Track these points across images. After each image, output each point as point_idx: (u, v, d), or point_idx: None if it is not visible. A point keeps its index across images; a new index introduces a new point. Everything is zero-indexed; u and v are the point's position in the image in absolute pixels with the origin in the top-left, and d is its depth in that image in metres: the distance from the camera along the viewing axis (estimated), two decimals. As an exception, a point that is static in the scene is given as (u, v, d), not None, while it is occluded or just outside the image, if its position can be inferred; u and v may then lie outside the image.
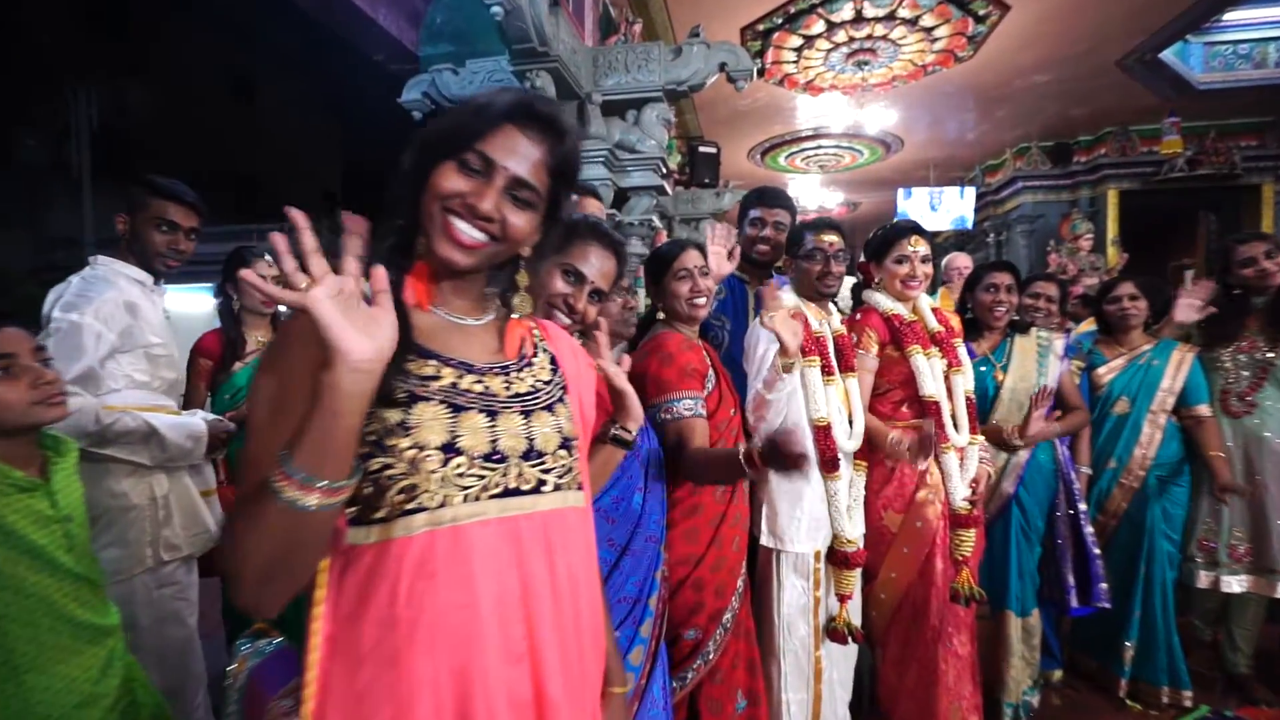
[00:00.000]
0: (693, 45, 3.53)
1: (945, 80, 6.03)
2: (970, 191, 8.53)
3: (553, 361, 0.86)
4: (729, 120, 7.21)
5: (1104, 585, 2.23)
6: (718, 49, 3.55)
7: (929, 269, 1.79)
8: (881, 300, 1.83)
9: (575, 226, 1.18)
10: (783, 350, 1.38)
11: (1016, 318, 2.17)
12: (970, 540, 1.75)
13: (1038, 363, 2.12)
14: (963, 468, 1.76)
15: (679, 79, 3.52)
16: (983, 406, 2.08)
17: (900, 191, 8.85)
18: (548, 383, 0.83)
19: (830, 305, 1.85)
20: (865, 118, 6.72)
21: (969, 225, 8.58)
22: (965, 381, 1.82)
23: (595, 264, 1.17)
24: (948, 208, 8.69)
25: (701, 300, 1.52)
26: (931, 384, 1.72)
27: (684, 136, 7.41)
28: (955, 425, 1.77)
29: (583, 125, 3.51)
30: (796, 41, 5.41)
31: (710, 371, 1.49)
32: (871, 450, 1.77)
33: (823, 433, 1.63)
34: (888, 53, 5.45)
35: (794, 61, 5.71)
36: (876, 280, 1.87)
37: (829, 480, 1.65)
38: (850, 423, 1.72)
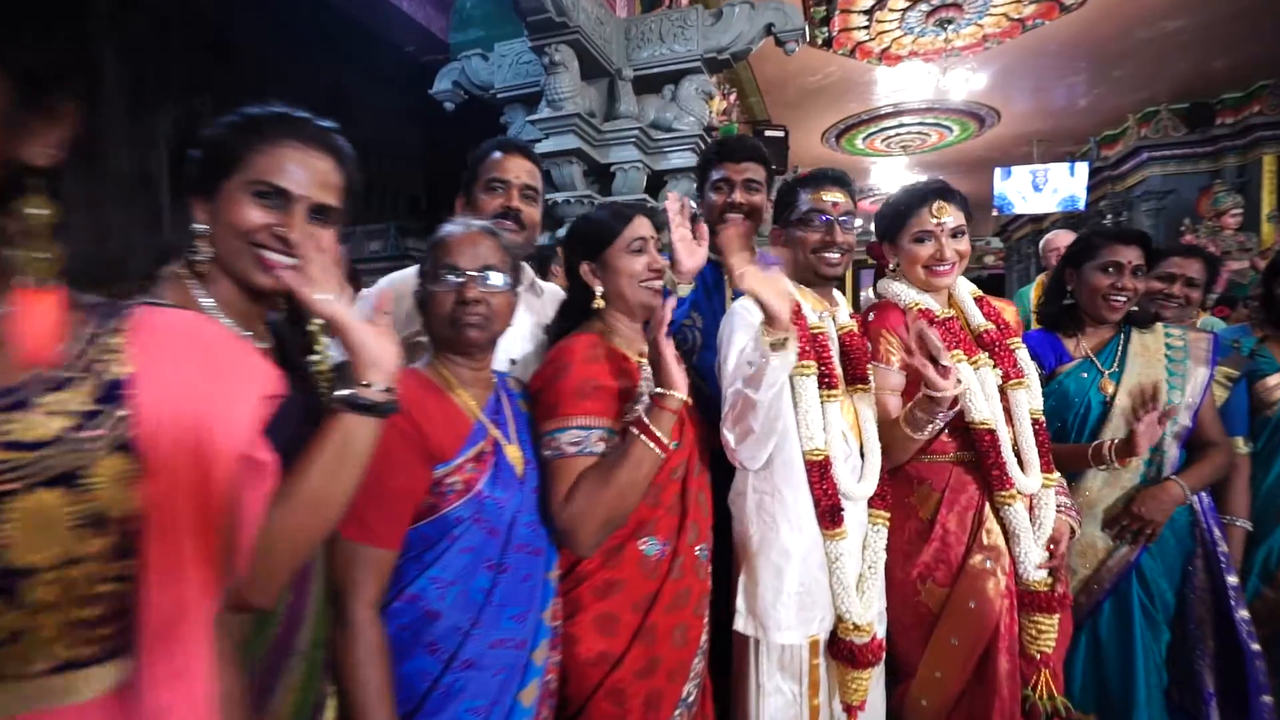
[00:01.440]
0: (734, 7, 3.15)
1: (1049, 36, 5.23)
2: (1082, 167, 7.49)
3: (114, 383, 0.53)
4: (798, 101, 6.69)
5: (1267, 699, 1.48)
6: (763, 9, 3.15)
7: (963, 246, 1.29)
8: (902, 291, 1.33)
9: (255, 122, 0.77)
10: (769, 321, 0.99)
11: (1135, 308, 1.54)
12: (1051, 629, 1.24)
13: (1166, 370, 1.47)
14: (1035, 523, 1.25)
15: (719, 46, 3.15)
16: (1074, 431, 1.51)
17: (998, 172, 7.92)
18: (78, 427, 0.50)
19: (836, 293, 1.38)
20: (952, 88, 5.98)
21: (1081, 206, 7.54)
22: (1031, 399, 1.30)
23: (300, 170, 0.76)
24: (1055, 186, 7.68)
25: (658, 284, 1.15)
26: (983, 404, 1.22)
27: (749, 121, 6.96)
28: (1020, 462, 1.26)
29: (612, 104, 3.23)
30: (867, 3, 4.85)
31: (643, 388, 1.08)
32: (897, 491, 1.28)
33: (818, 470, 1.17)
34: (976, 6, 4.77)
35: (865, 27, 5.14)
36: (892, 266, 1.37)
37: (830, 539, 1.17)
38: (862, 455, 1.24)
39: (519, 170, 1.41)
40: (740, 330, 1.16)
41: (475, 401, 1.01)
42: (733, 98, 5.95)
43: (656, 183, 3.39)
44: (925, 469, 1.31)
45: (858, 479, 1.22)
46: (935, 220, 1.27)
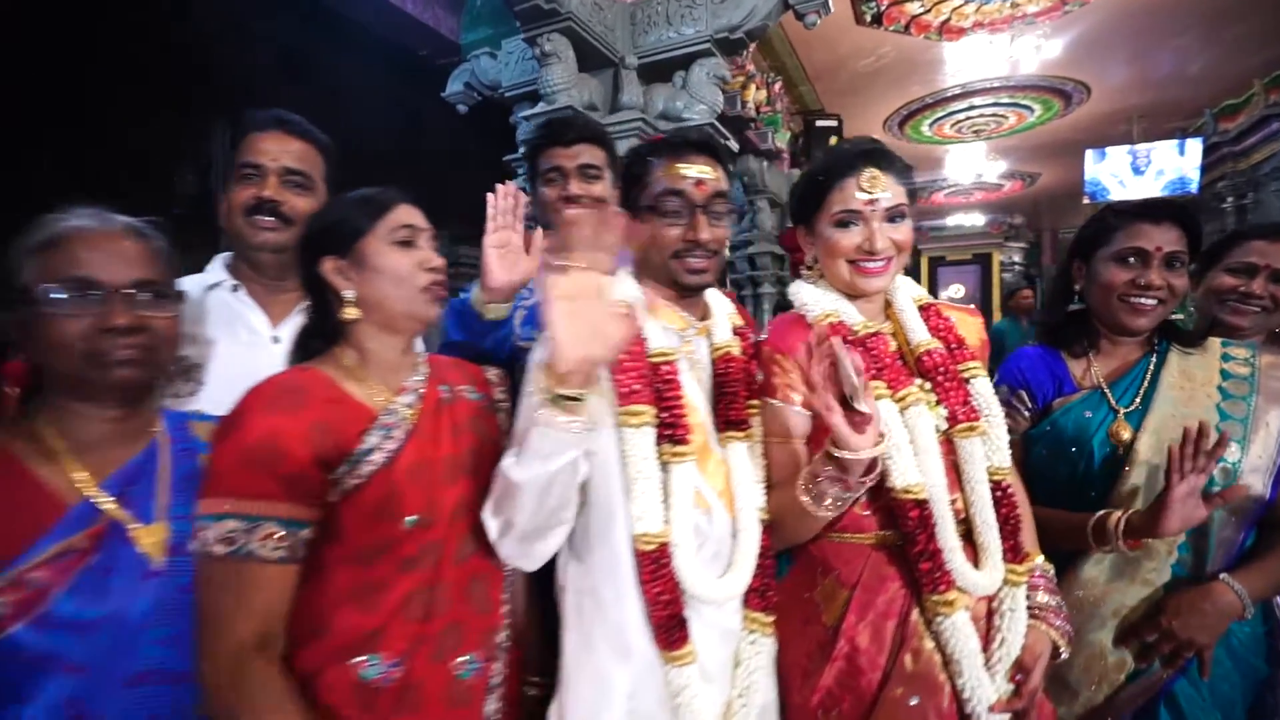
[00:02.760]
0: (746, -21, 2.85)
1: (1146, -6, 4.53)
2: (1195, 144, 6.53)
3: None
4: (853, 87, 6.21)
5: None
6: (778, -23, 2.83)
7: (903, 233, 0.92)
8: (814, 298, 0.98)
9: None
10: (552, 357, 0.67)
11: (1177, 315, 1.07)
12: None
13: (1219, 411, 1.00)
14: (994, 639, 0.87)
15: (730, 25, 2.86)
16: (1071, 494, 1.06)
17: (1089, 155, 7.06)
18: None
19: (716, 301, 1.03)
20: (1022, 60, 5.32)
21: (1193, 188, 6.57)
22: (992, 451, 0.91)
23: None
24: (1160, 168, 6.75)
25: (437, 290, 0.87)
26: (908, 462, 0.86)
27: (800, 111, 6.54)
28: (979, 547, 0.88)
29: (617, 95, 3.01)
30: (920, -29, 4.37)
31: (371, 442, 0.78)
32: (795, 582, 0.93)
33: (652, 563, 0.83)
34: (1051, -34, 4.19)
35: (920, -1, 4.64)
36: (810, 261, 1.01)
37: (672, 664, 0.83)
38: (735, 536, 0.88)
39: (280, 151, 1.15)
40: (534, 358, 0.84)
41: (90, 471, 0.76)
42: (777, 87, 5.58)
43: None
44: (833, 552, 0.92)
45: (722, 571, 0.85)
46: (865, 195, 0.89)
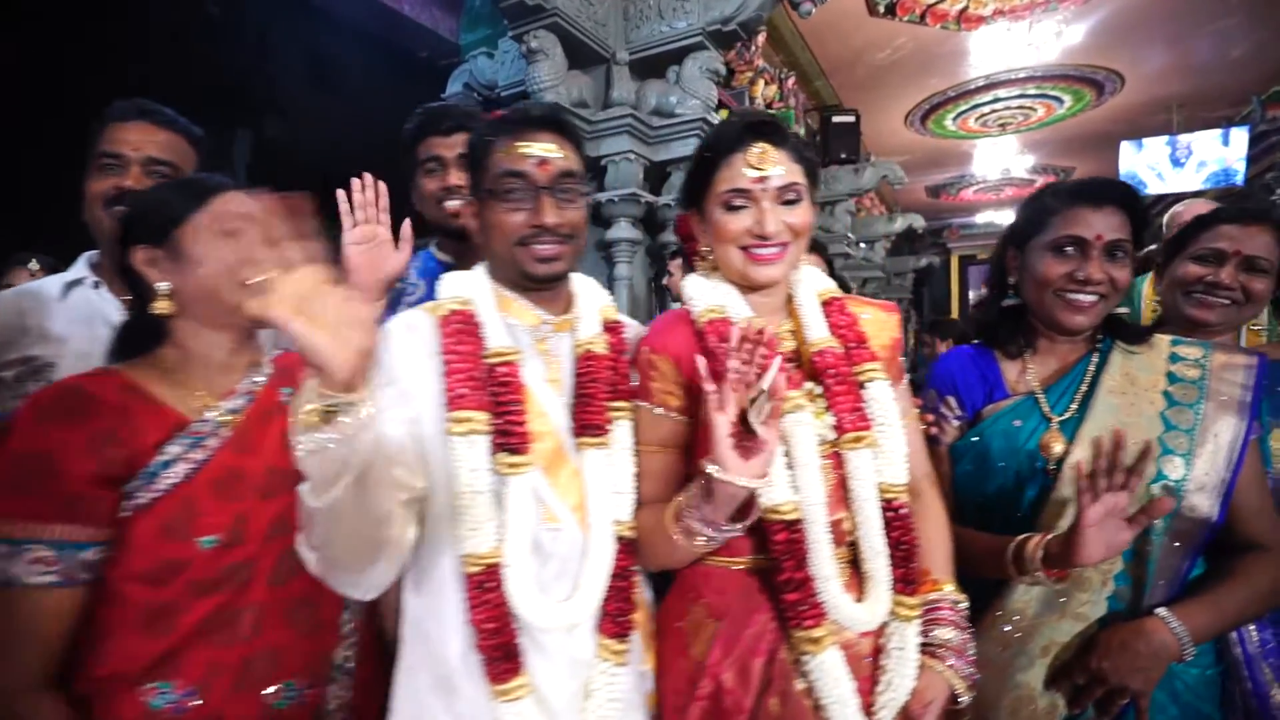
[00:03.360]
0: (738, -31, 2.77)
1: (1180, -24, 4.28)
2: (1240, 133, 6.17)
3: None
4: (871, 81, 6.05)
5: None
6: (770, -33, 2.74)
7: (799, 216, 0.81)
8: (699, 291, 0.88)
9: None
10: (321, 374, 0.58)
11: (1122, 310, 0.98)
12: None
13: (1163, 419, 0.87)
14: (878, 679, 0.77)
15: (723, 16, 2.79)
16: (998, 515, 0.93)
17: (1125, 146, 6.73)
18: None
19: (583, 289, 0.93)
20: (1042, 48, 5.08)
21: (1239, 180, 6.20)
22: (884, 464, 0.80)
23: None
24: (1202, 159, 6.40)
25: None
26: (781, 478, 0.77)
27: (817, 107, 6.39)
28: (864, 575, 0.79)
29: (609, 92, 2.95)
30: (934, -42, 4.21)
31: (173, 452, 0.71)
32: (669, 608, 0.85)
33: (477, 586, 0.74)
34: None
35: (936, -13, 4.48)
36: (702, 250, 0.90)
37: (502, 699, 0.73)
38: (585, 554, 0.78)
39: (143, 140, 1.09)
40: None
41: None
42: (790, 82, 5.46)
43: (661, 175, 3.07)
44: (703, 578, 0.82)
45: (568, 594, 0.76)
46: (754, 173, 0.80)
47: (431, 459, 0.76)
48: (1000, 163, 8.10)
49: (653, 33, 2.92)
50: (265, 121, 5.00)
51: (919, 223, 6.00)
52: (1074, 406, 0.92)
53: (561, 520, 0.80)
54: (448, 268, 1.16)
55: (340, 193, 1.02)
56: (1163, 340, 0.96)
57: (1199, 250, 1.12)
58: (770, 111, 5.41)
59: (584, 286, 0.94)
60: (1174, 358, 0.93)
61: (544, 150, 0.82)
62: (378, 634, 0.88)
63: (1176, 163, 6.46)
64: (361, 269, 1.03)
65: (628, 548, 0.81)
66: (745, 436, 0.67)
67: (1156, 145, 6.53)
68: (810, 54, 5.43)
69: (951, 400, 1.01)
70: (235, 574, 0.75)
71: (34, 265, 2.52)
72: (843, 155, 6.14)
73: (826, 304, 0.89)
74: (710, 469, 0.68)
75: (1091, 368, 0.95)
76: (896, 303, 0.91)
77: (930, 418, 1.01)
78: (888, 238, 7.22)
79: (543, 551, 0.79)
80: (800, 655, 0.75)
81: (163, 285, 0.80)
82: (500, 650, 0.74)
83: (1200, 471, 0.85)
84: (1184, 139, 6.44)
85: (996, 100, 6.32)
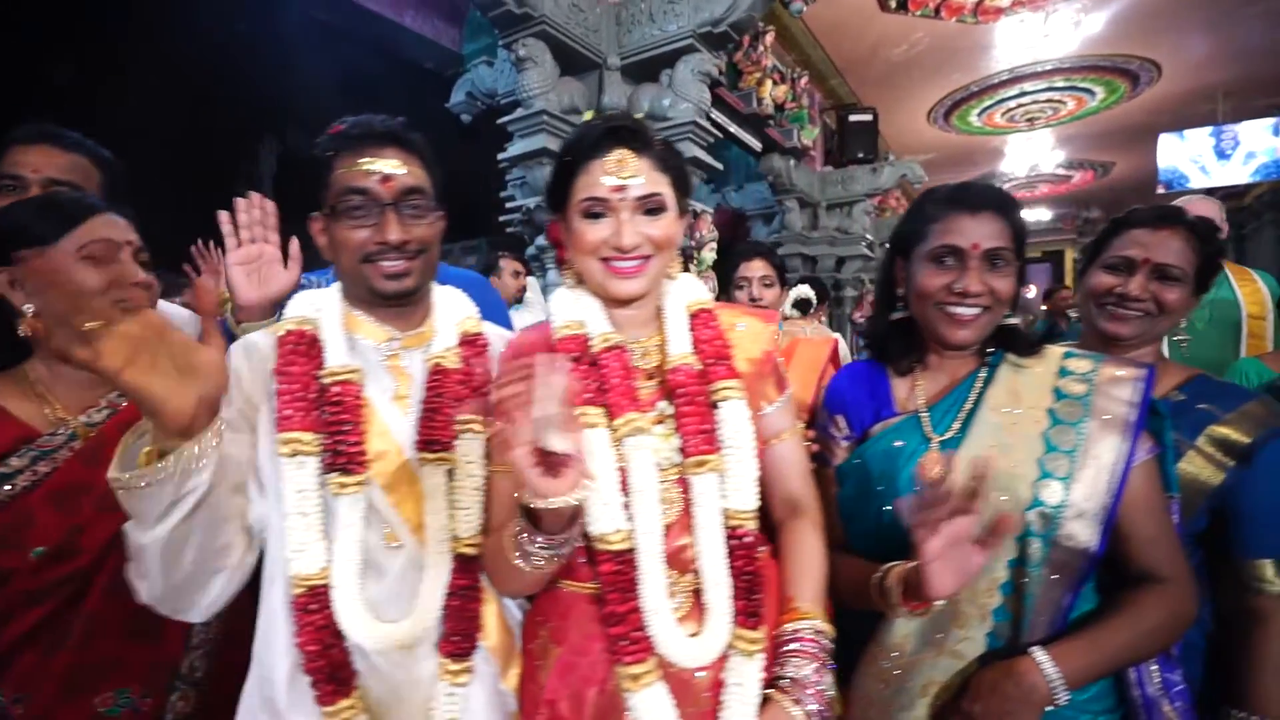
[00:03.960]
0: (727, -30, 2.73)
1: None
2: (1292, 122, 5.80)
3: None
4: (887, 79, 5.91)
5: None
6: (759, -34, 2.70)
7: (660, 229, 0.77)
8: (563, 305, 0.84)
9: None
10: (156, 420, 0.58)
11: (1013, 319, 0.87)
12: None
13: (1045, 439, 0.80)
14: (719, 715, 0.71)
15: (713, 18, 2.76)
16: (885, 539, 0.82)
17: (1164, 139, 6.42)
18: None
19: (444, 309, 0.90)
20: (1075, 40, 4.87)
21: (1291, 172, 5.84)
22: (731, 490, 0.76)
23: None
24: (1250, 149, 6.06)
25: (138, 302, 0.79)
26: (614, 501, 0.73)
27: (835, 106, 6.27)
28: (703, 607, 0.74)
29: (601, 97, 2.95)
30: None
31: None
32: (527, 628, 0.83)
33: (301, 607, 0.73)
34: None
35: (950, -20, 4.35)
36: (568, 259, 0.84)
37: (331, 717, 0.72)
38: (422, 573, 0.77)
39: (44, 163, 1.10)
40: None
41: None
42: (803, 81, 5.36)
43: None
44: (550, 602, 0.80)
45: (406, 613, 0.74)
46: (613, 181, 0.75)
47: (268, 481, 0.76)
48: (1031, 159, 7.81)
49: (644, 37, 2.90)
50: (288, 132, 5.19)
51: (915, 173, 5.75)
52: (956, 426, 0.85)
53: (402, 539, 0.79)
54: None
55: (222, 213, 1.01)
56: (1055, 353, 0.88)
57: (1110, 258, 1.04)
58: (784, 112, 5.33)
59: (445, 300, 0.92)
60: (1063, 372, 0.85)
61: (386, 166, 0.80)
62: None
63: (1222, 154, 6.12)
64: (244, 288, 1.03)
65: (467, 566, 0.78)
66: (550, 454, 0.63)
67: (1199, 136, 6.21)
68: (822, 52, 5.33)
69: (840, 419, 0.95)
70: (68, 584, 0.77)
71: None
72: (860, 154, 6.02)
73: (695, 316, 0.84)
74: (532, 499, 0.64)
75: (978, 384, 0.88)
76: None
77: (812, 434, 0.97)
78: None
79: (381, 571, 0.78)
80: (624, 691, 0.71)
81: (27, 307, 0.81)
82: (324, 672, 0.73)
83: (1079, 497, 0.77)
84: (1229, 129, 6.10)
85: (1023, 94, 6.10)
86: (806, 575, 0.78)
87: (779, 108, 5.43)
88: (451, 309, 0.91)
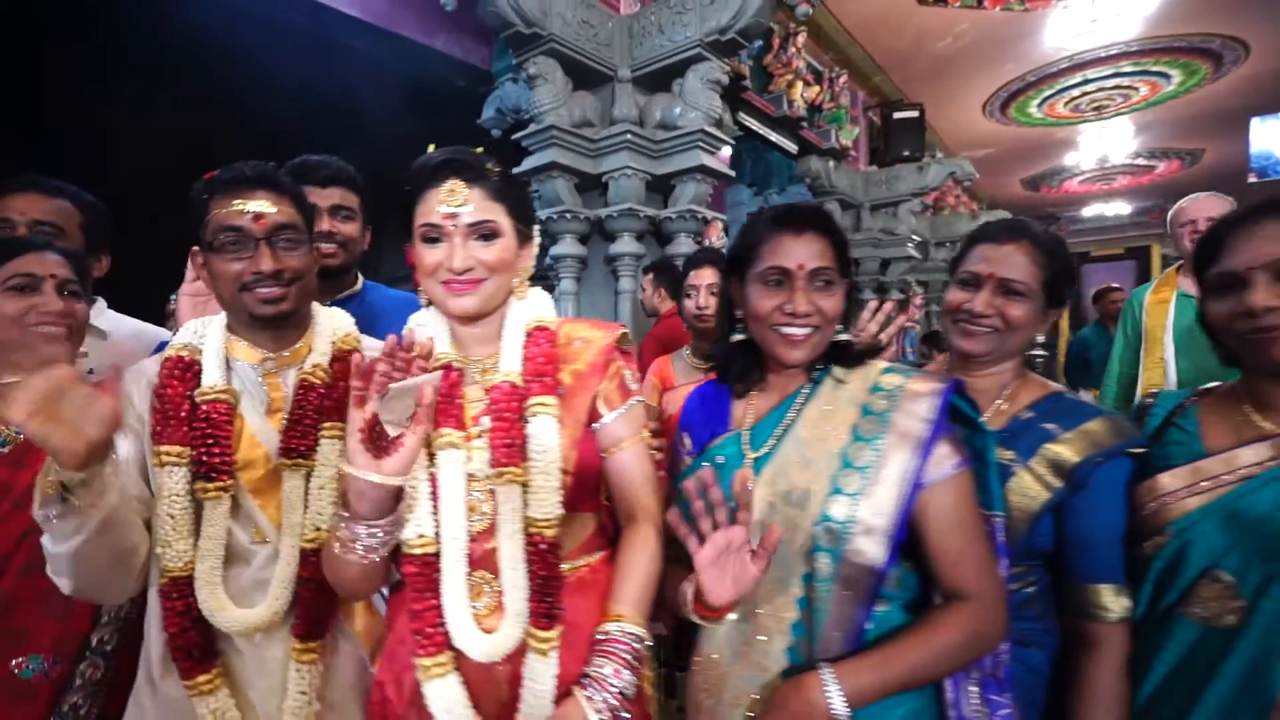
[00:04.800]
0: (732, -23, 2.73)
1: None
2: None
3: None
4: (934, 73, 5.69)
5: None
6: (764, -28, 2.68)
7: (493, 253, 0.81)
8: (420, 323, 0.92)
9: None
10: (57, 459, 0.69)
11: (845, 336, 0.88)
12: None
13: (842, 455, 0.80)
14: (517, 713, 0.77)
15: (720, 26, 2.77)
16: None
17: (1255, 123, 5.85)
18: None
19: (321, 328, 0.99)
20: (1135, 21, 4.51)
21: None
22: (535, 500, 0.81)
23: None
24: (1357, 132, 5.41)
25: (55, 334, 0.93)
26: (423, 507, 0.79)
27: (880, 104, 6.08)
28: (501, 606, 0.78)
29: (613, 108, 3.01)
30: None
31: None
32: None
33: (166, 594, 0.84)
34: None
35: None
36: (419, 280, 0.89)
37: (193, 692, 0.83)
38: (276, 566, 0.88)
39: (29, 207, 1.27)
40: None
41: None
42: (841, 80, 5.23)
43: (667, 188, 3.09)
44: (394, 595, 0.86)
45: (264, 601, 0.84)
46: (446, 209, 0.81)
47: (153, 485, 0.87)
48: (1104, 149, 7.29)
49: (654, 48, 2.94)
50: (343, 149, 5.57)
51: (964, 170, 5.46)
52: (771, 442, 0.86)
53: (269, 536, 0.89)
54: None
55: (194, 248, 1.09)
56: (875, 367, 0.88)
57: (960, 274, 1.01)
58: (822, 113, 5.22)
59: (326, 320, 1.01)
60: (874, 388, 0.85)
61: (258, 206, 0.90)
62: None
63: (1322, 138, 5.52)
64: (187, 316, 1.12)
65: (315, 559, 0.86)
66: (383, 437, 0.71)
67: (1295, 119, 5.62)
68: (861, 50, 5.19)
69: (686, 437, 0.96)
70: None
71: None
72: (905, 153, 5.80)
73: (530, 334, 0.89)
74: (345, 467, 0.72)
75: (800, 400, 0.88)
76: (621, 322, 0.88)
77: (655, 441, 0.98)
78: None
79: (248, 563, 0.89)
80: (422, 682, 0.77)
81: None
82: (184, 651, 0.83)
83: (867, 513, 0.77)
84: (1334, 110, 5.49)
85: (1086, 82, 5.72)
86: (629, 580, 0.82)
87: (816, 108, 5.33)
88: (330, 328, 1.01)
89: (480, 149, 0.88)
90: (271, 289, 0.90)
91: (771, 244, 0.85)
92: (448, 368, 0.84)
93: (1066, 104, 6.19)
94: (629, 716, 0.76)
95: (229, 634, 0.86)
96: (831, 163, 5.42)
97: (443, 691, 0.76)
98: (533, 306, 0.92)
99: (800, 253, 0.84)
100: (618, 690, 0.74)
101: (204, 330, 0.94)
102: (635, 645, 0.76)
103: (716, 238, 2.99)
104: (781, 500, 0.82)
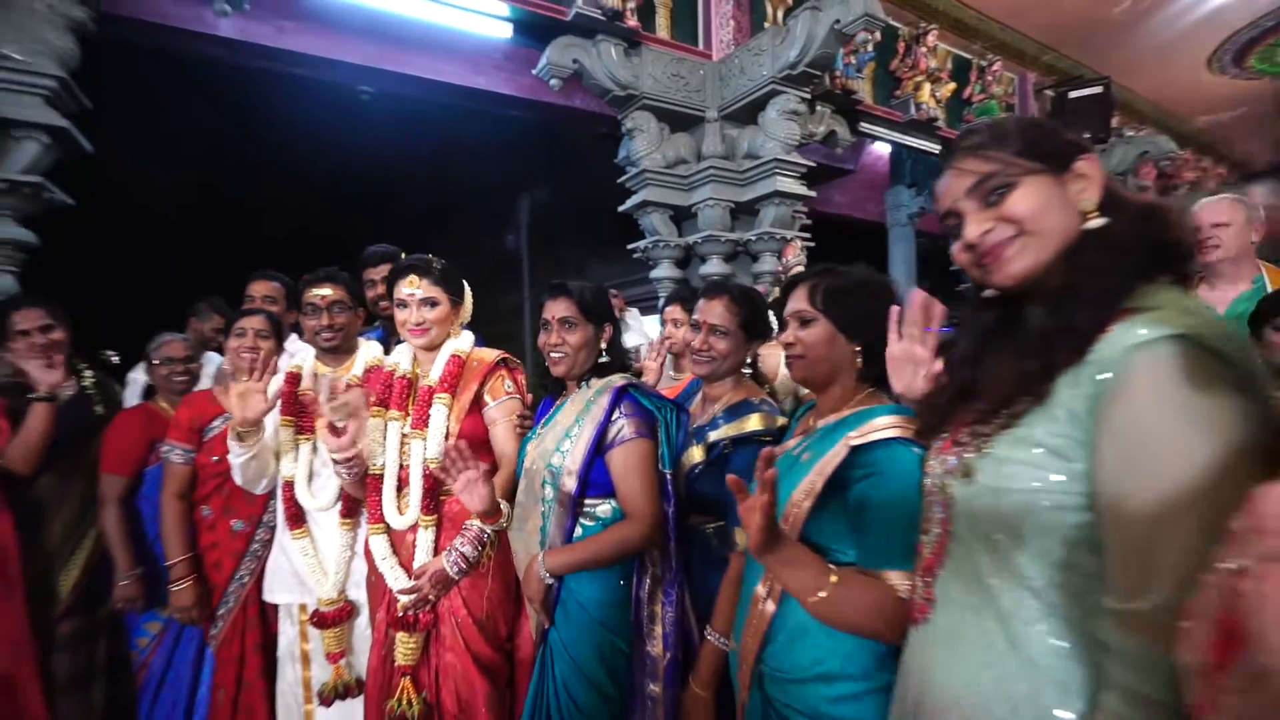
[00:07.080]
0: (798, 16, 2.96)
1: None
2: None
3: None
4: (1121, 40, 4.97)
5: None
6: (828, 8, 2.87)
7: (435, 313, 1.39)
8: (397, 351, 1.54)
9: None
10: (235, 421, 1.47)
11: (605, 358, 1.37)
12: (411, 647, 1.33)
13: (566, 431, 1.30)
14: (410, 553, 1.35)
15: (790, 62, 3.03)
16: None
17: None
18: None
19: (361, 355, 1.65)
20: None
21: None
22: (428, 447, 1.39)
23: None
24: None
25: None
26: (378, 453, 1.38)
27: (1055, 84, 5.45)
28: (401, 501, 1.37)
29: (702, 145, 3.41)
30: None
31: None
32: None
33: (287, 486, 1.58)
34: None
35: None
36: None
37: (295, 537, 1.57)
38: (310, 479, 1.60)
39: (261, 290, 2.09)
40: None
41: None
42: (995, 67, 4.88)
43: (754, 212, 3.40)
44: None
45: (309, 494, 1.58)
46: (406, 291, 1.39)
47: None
48: None
49: (738, 87, 3.29)
50: (536, 190, 6.76)
51: (1160, 148, 4.64)
52: (541, 429, 1.41)
53: (327, 461, 1.51)
54: (385, 334, 2.02)
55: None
56: (607, 379, 1.34)
57: (692, 320, 1.43)
58: (972, 106, 4.89)
59: (365, 350, 1.67)
60: (597, 391, 1.31)
61: (321, 292, 1.60)
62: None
63: None
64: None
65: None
66: (336, 430, 1.30)
67: None
68: (1013, 31, 4.80)
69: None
70: None
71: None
72: (1085, 135, 5.12)
73: (450, 358, 1.45)
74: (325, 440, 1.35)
75: (564, 397, 1.39)
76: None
77: (522, 413, 1.50)
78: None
79: (319, 475, 1.60)
80: (369, 537, 1.43)
81: None
82: (290, 517, 1.58)
83: (569, 461, 1.26)
84: None
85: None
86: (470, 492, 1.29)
87: (966, 101, 5.02)
88: (365, 353, 1.67)
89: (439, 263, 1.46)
90: (328, 335, 1.61)
91: (546, 305, 1.35)
92: (403, 378, 1.44)
93: (1333, 44, 4.91)
94: (468, 567, 1.29)
95: (308, 510, 1.58)
96: (984, 157, 5.05)
97: (378, 543, 1.39)
98: (458, 343, 1.48)
99: (551, 310, 1.33)
100: (464, 555, 1.27)
101: (303, 355, 1.69)
102: (477, 529, 1.28)
103: (793, 255, 3.21)
104: (540, 455, 1.30)
